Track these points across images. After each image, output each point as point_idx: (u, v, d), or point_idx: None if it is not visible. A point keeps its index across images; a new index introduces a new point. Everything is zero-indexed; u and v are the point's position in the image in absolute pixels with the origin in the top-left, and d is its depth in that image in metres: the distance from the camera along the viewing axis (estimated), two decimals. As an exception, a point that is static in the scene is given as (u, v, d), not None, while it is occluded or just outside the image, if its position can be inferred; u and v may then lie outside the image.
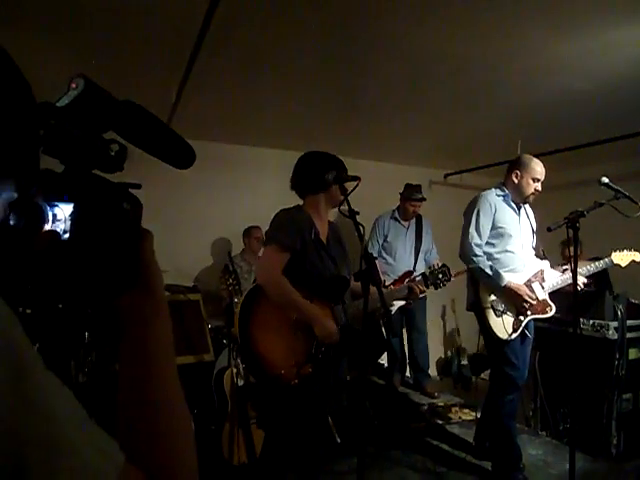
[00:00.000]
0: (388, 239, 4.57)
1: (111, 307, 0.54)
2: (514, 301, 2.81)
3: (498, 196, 2.91)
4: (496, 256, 2.87)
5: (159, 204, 3.87)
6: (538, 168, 2.82)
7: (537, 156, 2.98)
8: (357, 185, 2.04)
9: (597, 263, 2.92)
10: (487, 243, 2.90)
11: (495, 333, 2.79)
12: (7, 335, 0.36)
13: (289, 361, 2.04)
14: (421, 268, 4.39)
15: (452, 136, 4.47)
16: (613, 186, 2.47)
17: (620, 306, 3.28)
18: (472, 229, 2.87)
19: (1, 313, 0.37)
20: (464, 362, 5.23)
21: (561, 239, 2.32)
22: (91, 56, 2.80)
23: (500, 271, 2.81)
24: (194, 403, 3.09)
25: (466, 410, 4.05)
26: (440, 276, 2.42)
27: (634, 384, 3.29)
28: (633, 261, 2.95)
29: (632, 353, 3.30)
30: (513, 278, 2.82)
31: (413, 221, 4.63)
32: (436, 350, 5.42)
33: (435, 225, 4.78)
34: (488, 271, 2.80)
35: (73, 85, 0.52)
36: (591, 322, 3.34)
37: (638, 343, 3.35)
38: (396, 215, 4.62)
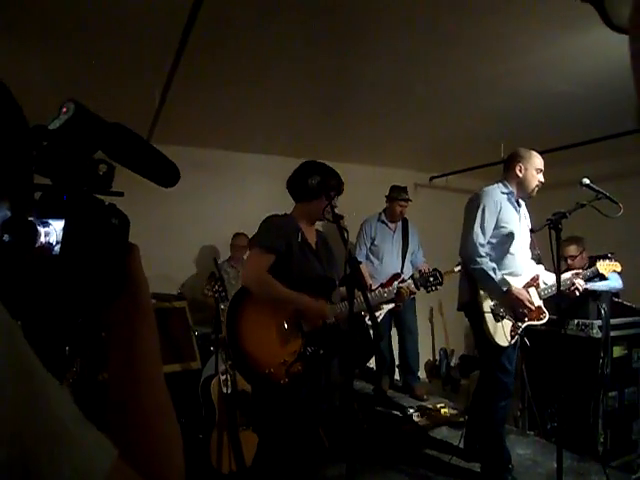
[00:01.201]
0: (375, 242, 4.56)
1: (100, 315, 0.57)
2: (514, 306, 2.67)
3: (503, 193, 2.74)
4: (495, 257, 2.70)
5: (144, 211, 3.81)
6: (538, 160, 2.74)
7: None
8: (337, 216, 2.08)
9: (585, 271, 2.93)
10: (487, 243, 2.73)
11: (494, 340, 2.65)
12: (11, 339, 0.38)
13: (277, 359, 2.06)
14: (408, 271, 4.39)
15: (437, 139, 4.50)
16: (594, 187, 2.50)
17: (603, 305, 3.33)
18: (477, 227, 2.67)
19: (3, 318, 0.39)
20: (452, 364, 5.26)
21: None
22: (73, 61, 2.77)
23: (502, 274, 2.67)
24: (181, 412, 3.04)
25: (455, 412, 4.06)
26: (431, 279, 2.40)
27: (619, 382, 3.34)
28: (614, 270, 3.01)
29: (616, 351, 3.36)
30: (513, 282, 2.68)
31: (400, 224, 4.63)
32: (424, 352, 5.41)
33: (421, 228, 4.79)
34: (491, 274, 2.62)
35: (64, 110, 0.55)
36: (575, 322, 3.38)
37: (622, 341, 3.41)
38: (383, 218, 4.60)
